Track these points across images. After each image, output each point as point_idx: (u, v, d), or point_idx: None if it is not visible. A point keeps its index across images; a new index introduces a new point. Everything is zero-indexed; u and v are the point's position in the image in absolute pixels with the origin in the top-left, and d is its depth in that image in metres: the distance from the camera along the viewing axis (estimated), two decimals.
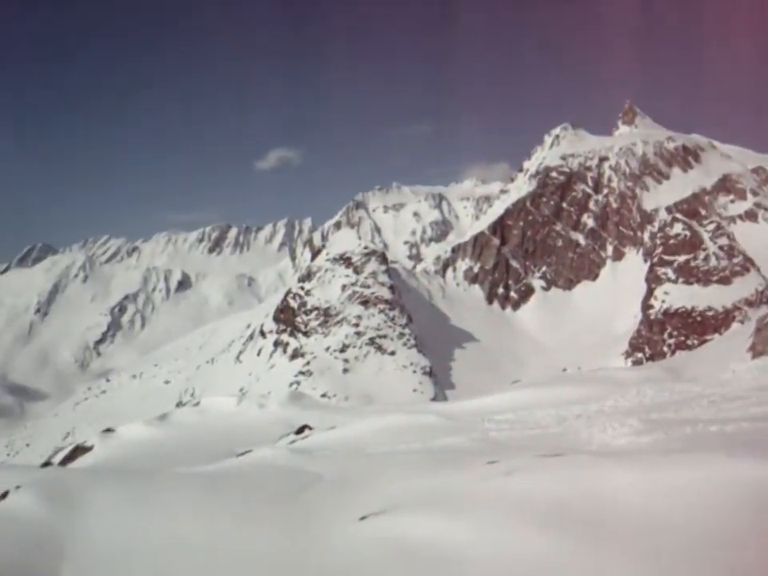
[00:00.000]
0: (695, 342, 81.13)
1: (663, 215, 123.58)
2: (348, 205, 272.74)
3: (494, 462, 8.28)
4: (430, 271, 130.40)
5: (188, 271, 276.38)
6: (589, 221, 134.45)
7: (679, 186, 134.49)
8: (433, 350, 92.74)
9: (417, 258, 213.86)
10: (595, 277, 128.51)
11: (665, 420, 10.54)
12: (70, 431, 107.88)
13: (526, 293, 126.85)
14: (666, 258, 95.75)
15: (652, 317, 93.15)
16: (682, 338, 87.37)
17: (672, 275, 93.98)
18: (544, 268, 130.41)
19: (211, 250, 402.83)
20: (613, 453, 8.44)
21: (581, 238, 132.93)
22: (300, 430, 19.22)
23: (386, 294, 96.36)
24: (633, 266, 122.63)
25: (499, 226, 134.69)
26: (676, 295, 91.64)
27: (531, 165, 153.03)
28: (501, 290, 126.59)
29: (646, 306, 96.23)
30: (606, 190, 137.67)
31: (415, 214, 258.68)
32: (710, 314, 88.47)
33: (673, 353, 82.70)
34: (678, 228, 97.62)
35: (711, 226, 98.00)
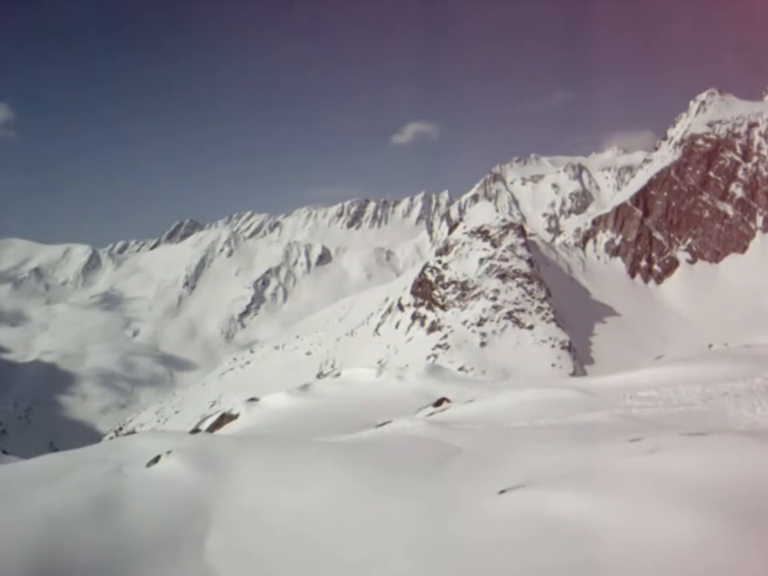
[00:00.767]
0: None
1: None
2: (485, 177, 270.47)
3: (637, 439, 8.05)
4: (569, 244, 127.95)
5: (328, 245, 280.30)
6: (737, 190, 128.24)
7: None
8: (572, 325, 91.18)
9: (556, 230, 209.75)
10: (744, 249, 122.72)
11: None
12: (216, 399, 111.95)
13: (670, 266, 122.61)
14: None
15: None
16: None
17: None
18: (689, 240, 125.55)
19: (350, 225, 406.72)
20: (762, 433, 8.08)
21: (729, 209, 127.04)
22: (438, 403, 19.25)
23: (524, 267, 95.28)
24: None
25: (642, 197, 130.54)
26: None
27: (676, 132, 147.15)
28: (643, 263, 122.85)
29: None
30: (755, 158, 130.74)
31: (554, 186, 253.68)
32: None
33: None
34: None
35: None
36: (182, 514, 7.93)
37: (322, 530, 7.26)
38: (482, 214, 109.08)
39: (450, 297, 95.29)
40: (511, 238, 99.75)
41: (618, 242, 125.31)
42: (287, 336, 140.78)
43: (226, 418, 23.97)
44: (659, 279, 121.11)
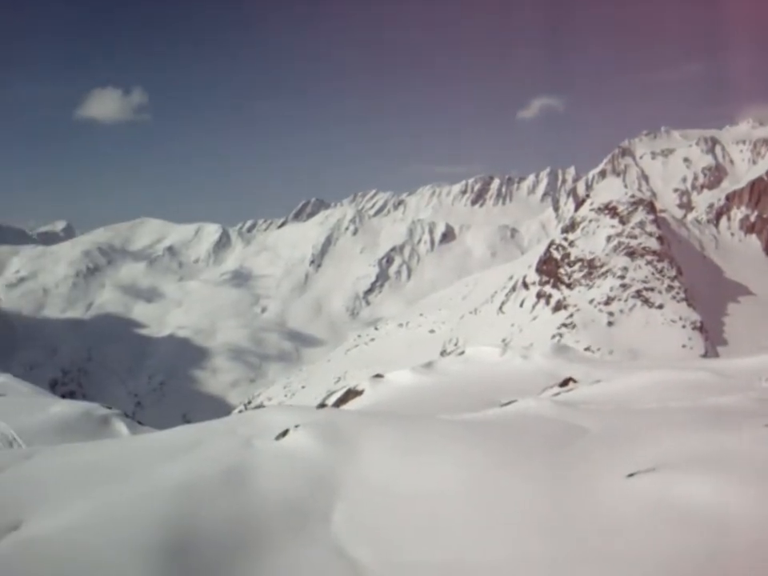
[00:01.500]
0: None
1: None
2: (613, 152, 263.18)
3: None
4: (701, 220, 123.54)
5: (452, 223, 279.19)
6: None
7: None
8: (704, 304, 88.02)
9: (687, 206, 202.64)
10: None
11: None
12: (341, 376, 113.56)
13: None
14: None
15: None
16: None
17: None
18: None
19: (474, 202, 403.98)
20: None
21: None
22: (564, 383, 19.00)
23: (653, 244, 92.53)
24: None
25: None
26: None
27: None
28: None
29: None
30: None
31: (686, 160, 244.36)
32: None
33: None
34: None
35: None
36: (309, 488, 8.10)
37: (449, 507, 7.26)
38: (610, 189, 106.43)
39: (577, 275, 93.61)
40: (640, 214, 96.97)
41: (753, 218, 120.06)
42: (411, 314, 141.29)
43: (351, 394, 24.34)
44: None
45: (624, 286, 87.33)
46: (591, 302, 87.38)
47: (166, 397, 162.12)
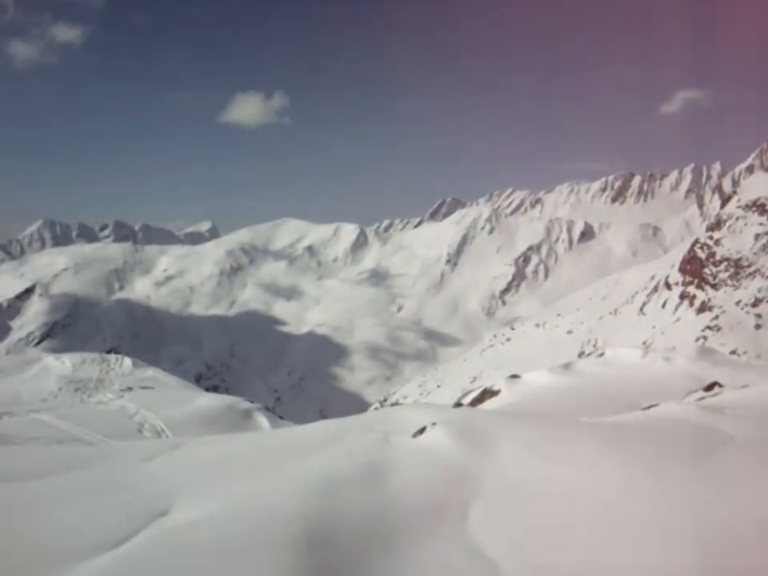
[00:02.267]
0: None
1: None
2: (761, 146, 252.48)
3: None
4: None
5: (590, 221, 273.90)
6: None
7: None
8: None
9: None
10: None
11: None
12: (476, 375, 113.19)
13: None
14: None
15: None
16: None
17: None
18: None
19: (614, 200, 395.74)
20: None
21: None
22: (710, 387, 18.33)
23: None
24: None
25: None
26: None
27: None
28: None
29: None
30: None
31: None
32: None
33: None
34: None
35: None
36: (445, 485, 8.14)
37: (589, 510, 7.13)
38: (758, 185, 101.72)
39: (722, 275, 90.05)
40: None
41: None
42: (548, 314, 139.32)
43: (487, 394, 24.26)
44: None
45: None
46: (738, 303, 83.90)
47: (304, 392, 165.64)
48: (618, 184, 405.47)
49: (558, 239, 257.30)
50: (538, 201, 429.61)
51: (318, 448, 10.08)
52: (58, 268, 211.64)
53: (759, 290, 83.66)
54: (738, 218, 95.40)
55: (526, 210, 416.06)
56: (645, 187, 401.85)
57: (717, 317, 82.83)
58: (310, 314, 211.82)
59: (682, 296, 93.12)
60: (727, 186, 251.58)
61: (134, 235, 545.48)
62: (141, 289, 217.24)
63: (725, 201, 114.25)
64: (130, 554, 6.48)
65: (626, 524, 6.74)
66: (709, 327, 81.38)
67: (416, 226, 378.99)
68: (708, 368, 22.75)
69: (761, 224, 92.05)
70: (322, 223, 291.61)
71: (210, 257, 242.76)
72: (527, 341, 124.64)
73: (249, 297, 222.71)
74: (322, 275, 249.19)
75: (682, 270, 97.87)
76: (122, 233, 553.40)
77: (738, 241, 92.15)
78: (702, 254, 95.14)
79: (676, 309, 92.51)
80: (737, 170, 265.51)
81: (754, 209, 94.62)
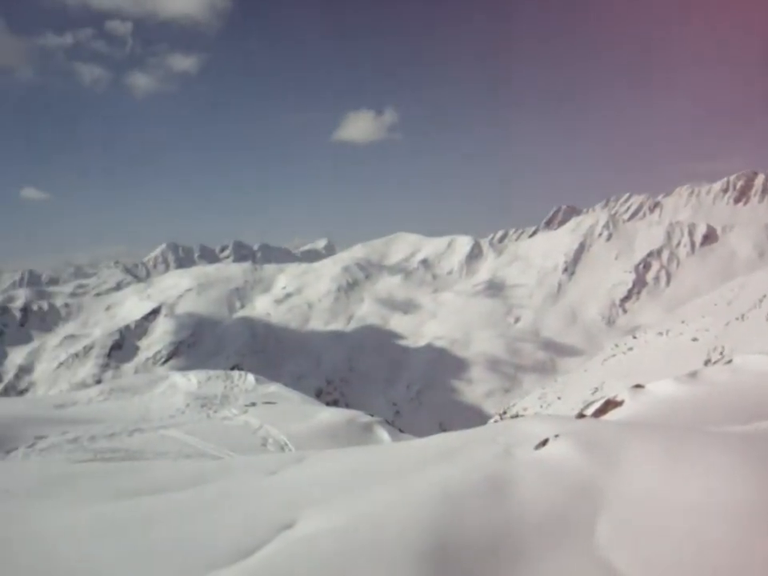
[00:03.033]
0: None
1: None
2: None
3: None
4: None
5: (713, 224, 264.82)
6: None
7: None
8: None
9: None
10: None
11: None
12: (598, 386, 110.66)
13: None
14: None
15: None
16: None
17: None
18: None
19: (737, 200, 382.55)
20: None
21: None
22: None
23: None
24: None
25: None
26: None
27: None
28: None
29: None
30: None
31: None
32: None
33: None
34: None
35: None
36: (570, 498, 7.93)
37: (717, 524, 6.83)
38: None
39: None
40: None
41: None
42: (671, 321, 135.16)
43: (610, 405, 23.65)
44: None
45: None
46: None
47: (423, 405, 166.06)
48: (740, 184, 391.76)
49: (679, 243, 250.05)
50: (656, 205, 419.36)
51: (440, 460, 10.04)
52: (182, 289, 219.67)
53: None
54: None
55: (644, 214, 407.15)
56: None
57: None
58: (426, 327, 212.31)
59: None
60: None
61: (253, 255, 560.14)
62: (261, 307, 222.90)
63: None
64: (258, 565, 6.62)
65: (761, 542, 6.40)
66: None
67: (531, 236, 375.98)
68: None
69: None
70: (435, 236, 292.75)
71: (326, 273, 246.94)
72: (650, 349, 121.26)
73: (366, 312, 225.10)
74: (438, 288, 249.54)
75: None
76: (242, 253, 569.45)
77: None
78: None
79: None
80: None
81: None
